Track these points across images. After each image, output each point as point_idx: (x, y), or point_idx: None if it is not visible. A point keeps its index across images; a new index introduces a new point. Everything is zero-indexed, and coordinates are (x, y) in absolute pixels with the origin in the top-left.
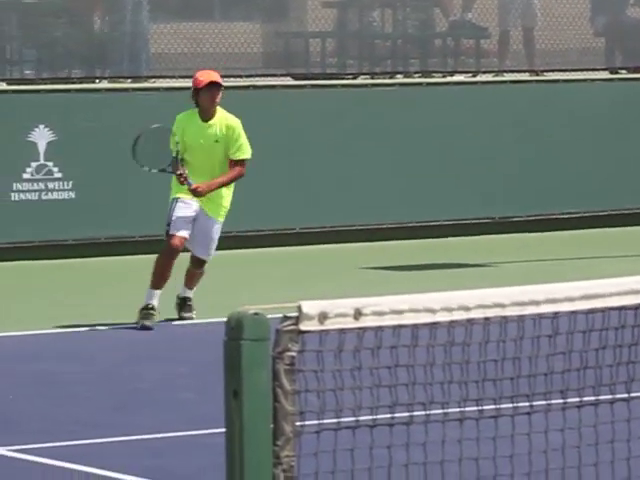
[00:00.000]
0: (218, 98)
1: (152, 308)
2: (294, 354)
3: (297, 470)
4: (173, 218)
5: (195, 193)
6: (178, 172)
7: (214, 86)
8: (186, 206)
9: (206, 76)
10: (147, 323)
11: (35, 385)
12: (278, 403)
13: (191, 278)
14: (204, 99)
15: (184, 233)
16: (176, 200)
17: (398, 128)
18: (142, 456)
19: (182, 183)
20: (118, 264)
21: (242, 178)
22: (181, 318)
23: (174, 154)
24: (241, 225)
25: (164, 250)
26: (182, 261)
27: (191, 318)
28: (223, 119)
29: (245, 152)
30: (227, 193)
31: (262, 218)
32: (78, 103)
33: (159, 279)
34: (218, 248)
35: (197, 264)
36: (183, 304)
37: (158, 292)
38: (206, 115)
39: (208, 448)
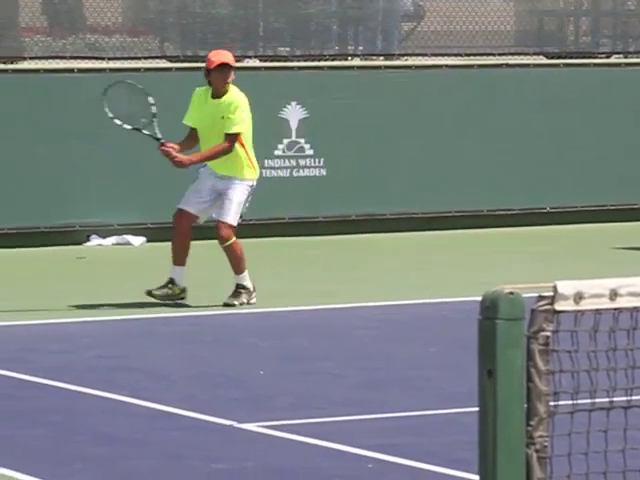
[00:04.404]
0: (230, 78)
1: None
2: (549, 334)
3: (550, 450)
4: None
5: (176, 164)
6: (161, 139)
7: (225, 67)
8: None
9: (217, 57)
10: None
11: (284, 361)
12: (532, 383)
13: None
14: (215, 79)
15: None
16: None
17: None
18: (394, 434)
19: (166, 154)
20: (368, 242)
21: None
22: (225, 304)
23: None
24: (491, 204)
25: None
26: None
27: (233, 305)
28: (230, 96)
29: (233, 126)
30: (241, 153)
31: (512, 197)
32: (330, 81)
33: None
34: (472, 226)
35: (217, 236)
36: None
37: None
38: (217, 93)
39: (459, 426)
